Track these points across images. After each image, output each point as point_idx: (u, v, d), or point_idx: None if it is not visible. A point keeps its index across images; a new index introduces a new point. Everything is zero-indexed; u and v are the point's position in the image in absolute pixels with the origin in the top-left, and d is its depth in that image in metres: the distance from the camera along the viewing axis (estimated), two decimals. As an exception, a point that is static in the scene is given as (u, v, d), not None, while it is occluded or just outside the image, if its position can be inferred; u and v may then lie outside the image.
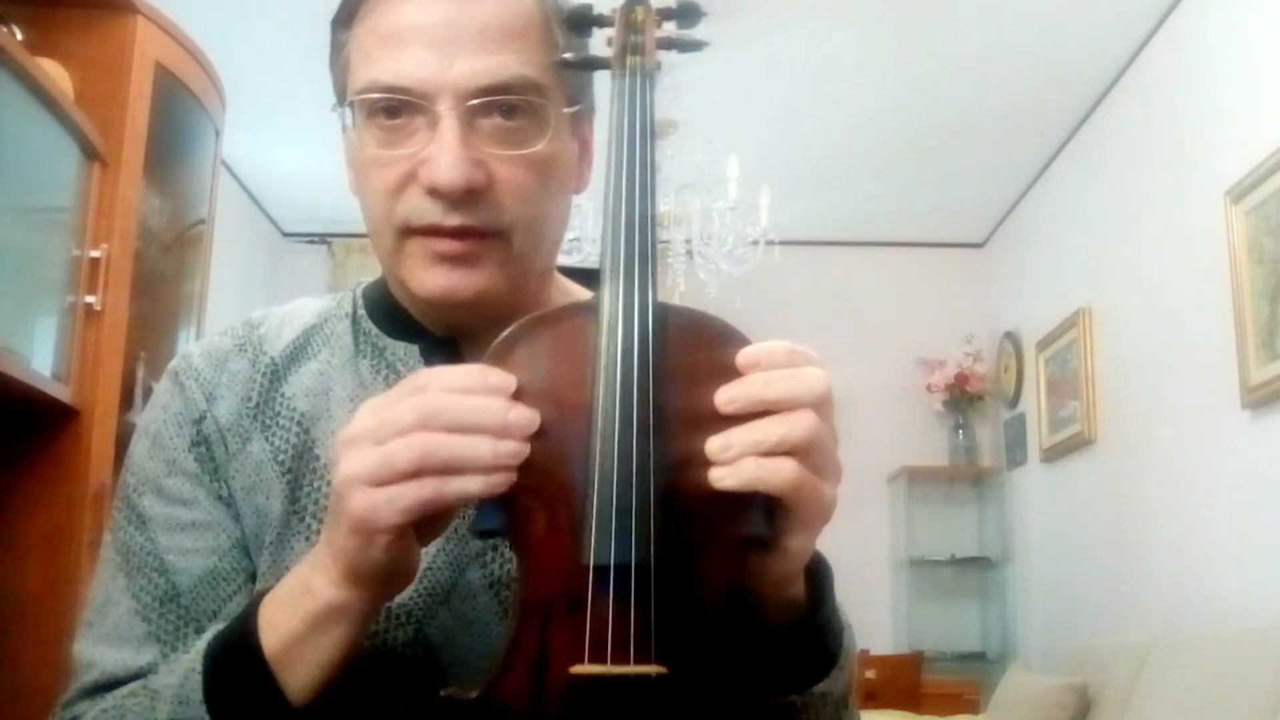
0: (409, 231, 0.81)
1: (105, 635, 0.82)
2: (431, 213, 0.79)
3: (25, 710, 2.13)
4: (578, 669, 0.63)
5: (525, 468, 0.66)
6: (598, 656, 0.63)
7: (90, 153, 2.34)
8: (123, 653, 0.81)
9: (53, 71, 2.25)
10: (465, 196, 0.78)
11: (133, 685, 0.77)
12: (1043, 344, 4.95)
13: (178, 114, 2.66)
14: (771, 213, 4.22)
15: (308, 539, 0.82)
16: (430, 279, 0.81)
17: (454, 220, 0.79)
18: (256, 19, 3.77)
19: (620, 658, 0.63)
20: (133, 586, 0.83)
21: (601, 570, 0.64)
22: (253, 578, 0.84)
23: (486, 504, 0.67)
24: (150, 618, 0.82)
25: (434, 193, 0.78)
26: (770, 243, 4.26)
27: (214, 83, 2.81)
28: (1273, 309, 3.08)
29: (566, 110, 0.83)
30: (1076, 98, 4.39)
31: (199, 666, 0.72)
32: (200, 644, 0.74)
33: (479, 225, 0.79)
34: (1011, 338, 5.41)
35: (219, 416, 0.86)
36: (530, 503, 0.67)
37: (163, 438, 0.86)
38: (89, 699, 0.79)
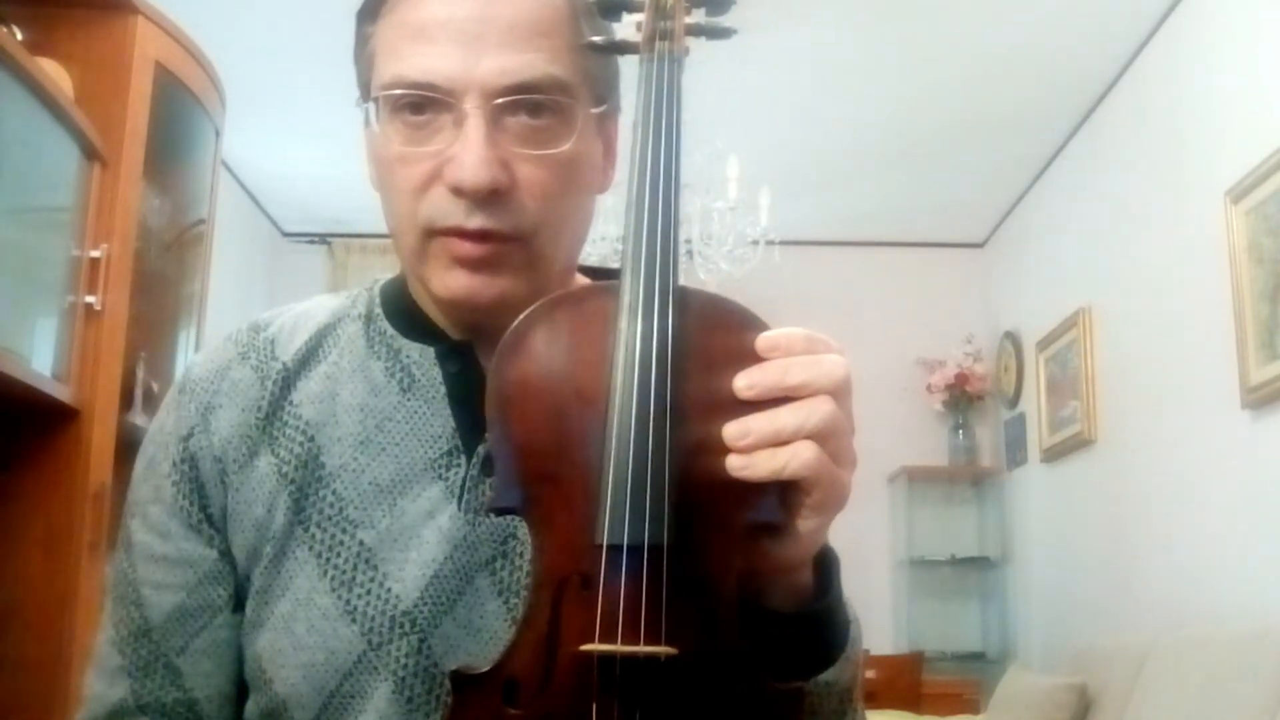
0: (432, 233, 0.80)
1: (95, 664, 0.85)
2: (455, 214, 0.78)
3: (25, 710, 2.13)
4: (588, 647, 0.64)
5: (542, 447, 0.68)
6: (608, 635, 0.64)
7: (90, 153, 2.34)
8: (99, 685, 0.84)
9: (53, 71, 2.25)
10: (489, 197, 0.78)
11: None
12: (1043, 344, 4.95)
13: (178, 114, 2.66)
14: (771, 213, 4.23)
15: (311, 548, 0.81)
16: (452, 280, 0.80)
17: (476, 222, 0.78)
18: (256, 19, 3.77)
19: (630, 637, 0.64)
20: (115, 615, 0.85)
21: (614, 550, 0.64)
22: (230, 604, 0.84)
23: (504, 482, 0.68)
24: (125, 650, 0.84)
25: (458, 192, 0.78)
26: (770, 243, 4.27)
27: (214, 83, 2.81)
28: (1273, 309, 3.08)
29: (593, 110, 0.82)
30: (1076, 98, 4.39)
31: None
32: None
33: (501, 229, 0.79)
34: (1011, 338, 5.41)
35: (218, 429, 0.85)
36: (547, 480, 0.68)
37: (155, 460, 0.87)
38: None
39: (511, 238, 0.79)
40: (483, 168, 0.76)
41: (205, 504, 0.84)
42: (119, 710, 0.83)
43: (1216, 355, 3.34)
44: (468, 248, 0.79)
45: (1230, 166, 3.30)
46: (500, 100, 0.78)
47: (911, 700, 4.68)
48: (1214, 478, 3.42)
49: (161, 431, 0.88)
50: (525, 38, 0.78)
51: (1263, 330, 3.12)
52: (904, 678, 4.85)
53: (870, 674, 4.67)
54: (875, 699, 4.59)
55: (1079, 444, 4.51)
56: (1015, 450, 5.35)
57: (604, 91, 0.84)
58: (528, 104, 0.78)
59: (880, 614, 5.43)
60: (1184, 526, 3.62)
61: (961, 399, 5.59)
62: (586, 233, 0.90)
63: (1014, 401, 5.37)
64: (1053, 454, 4.83)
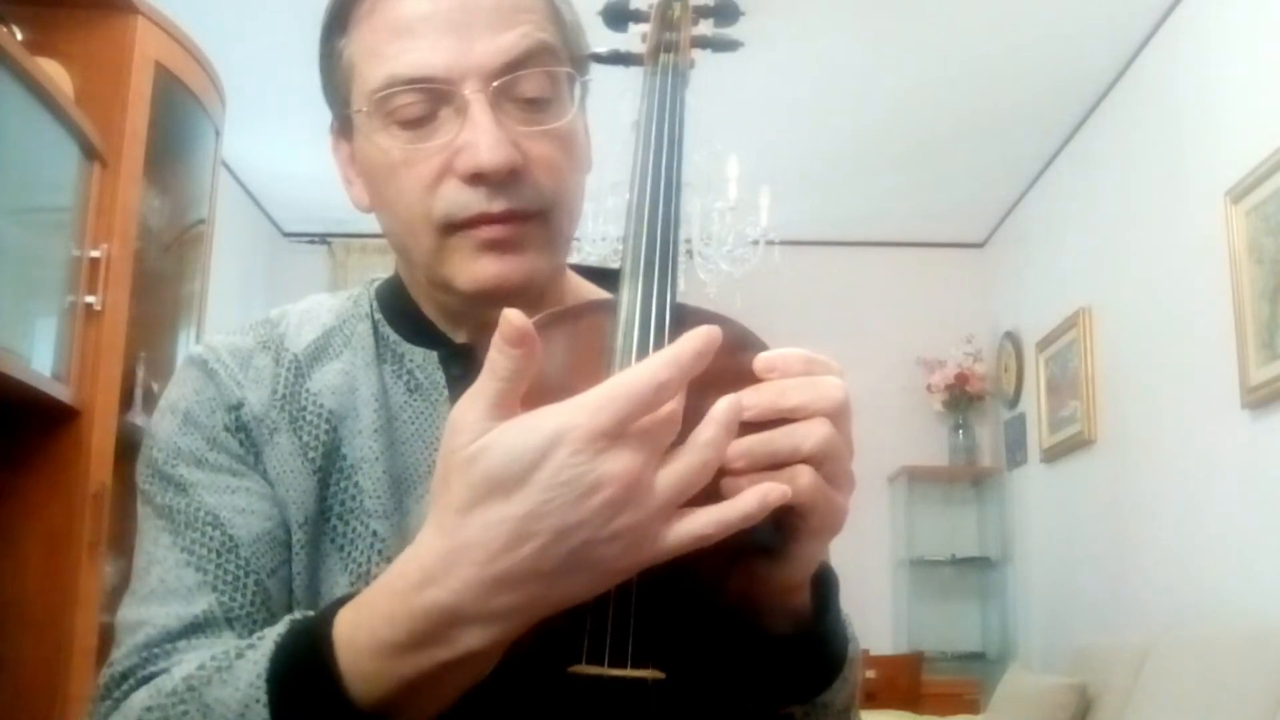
0: (452, 227, 0.79)
1: (149, 594, 0.77)
2: (475, 202, 0.78)
3: (25, 710, 2.13)
4: (575, 669, 0.63)
5: None
6: (596, 658, 0.63)
7: (90, 153, 2.34)
8: (170, 606, 0.76)
9: (53, 71, 2.25)
10: (508, 178, 0.77)
11: (177, 685, 0.69)
12: (1043, 344, 4.95)
13: (178, 114, 2.66)
14: (771, 213, 4.22)
15: (333, 540, 0.80)
16: (480, 269, 0.79)
17: (500, 205, 0.77)
18: (256, 19, 3.77)
19: (618, 661, 0.62)
20: (181, 541, 0.78)
21: None
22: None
23: None
24: (206, 568, 0.77)
25: (476, 178, 0.77)
26: (770, 243, 4.26)
27: (214, 83, 2.81)
28: (1273, 309, 3.08)
29: (581, 80, 0.83)
30: (1076, 98, 4.39)
31: (263, 699, 0.64)
32: (258, 667, 0.65)
33: (523, 207, 0.78)
34: (1011, 338, 5.41)
35: (253, 406, 0.83)
36: None
37: (196, 416, 0.82)
38: (138, 656, 0.74)
39: (532, 214, 0.79)
40: (499, 148, 0.76)
41: (265, 472, 0.82)
42: (201, 623, 0.75)
43: (1216, 355, 3.34)
44: (492, 230, 0.78)
45: (1230, 166, 3.30)
46: (499, 81, 0.78)
47: (911, 700, 4.68)
48: (1214, 478, 3.42)
49: (200, 395, 0.84)
50: (510, 15, 0.79)
51: (1263, 330, 3.12)
52: (904, 678, 4.85)
53: (870, 674, 4.67)
54: (875, 699, 4.60)
55: (1079, 444, 4.51)
56: (1015, 450, 5.35)
57: (582, 63, 0.84)
58: (524, 82, 0.79)
59: (880, 614, 5.44)
60: (1184, 526, 3.62)
61: (961, 399, 5.59)
62: (582, 211, 0.90)
63: (1014, 401, 5.37)
64: (1053, 454, 4.82)
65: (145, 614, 0.76)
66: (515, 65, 0.78)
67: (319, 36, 0.85)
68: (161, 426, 0.83)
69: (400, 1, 0.79)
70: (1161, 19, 3.80)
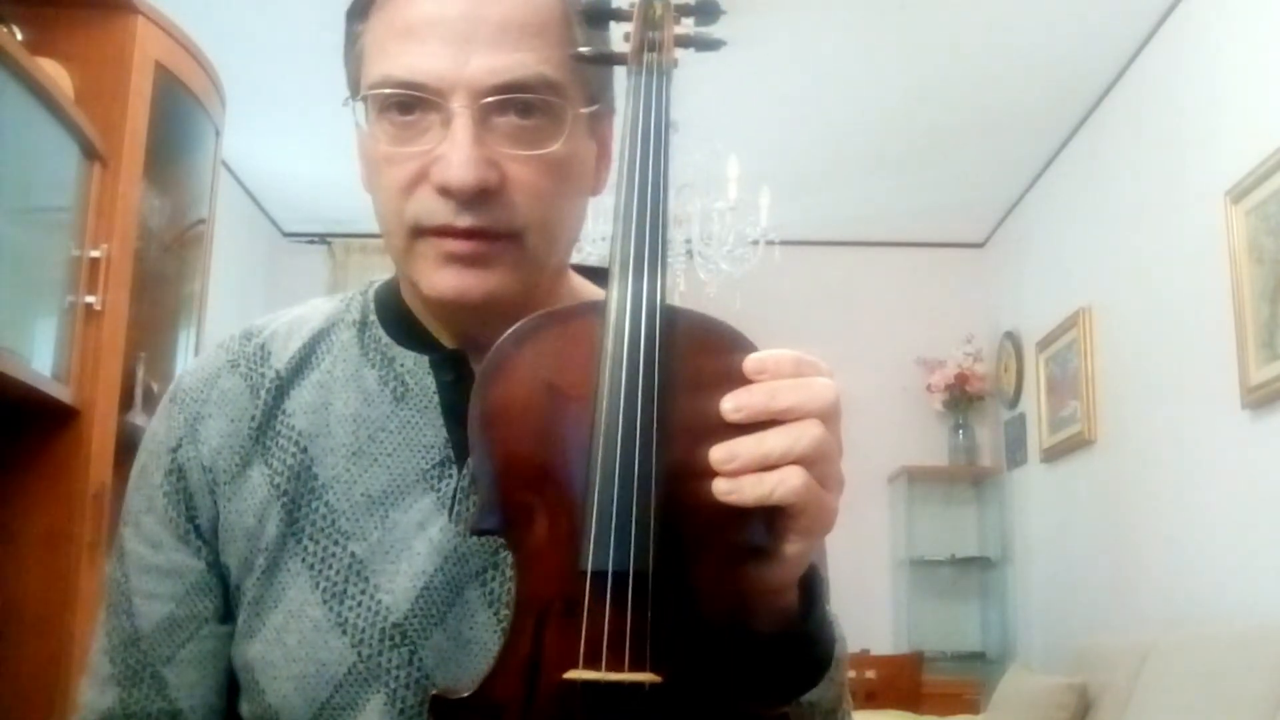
0: (420, 231, 0.79)
1: (89, 672, 0.86)
2: (443, 213, 0.77)
3: (25, 710, 2.13)
4: (571, 674, 0.63)
5: (525, 469, 0.66)
6: (592, 662, 0.63)
7: (90, 153, 2.34)
8: (91, 693, 0.84)
9: (53, 71, 2.25)
10: (477, 197, 0.76)
11: None
12: (1043, 344, 4.95)
13: (178, 114, 2.66)
14: (771, 213, 4.22)
15: (304, 560, 0.81)
16: (441, 279, 0.79)
17: (465, 221, 0.77)
18: (256, 19, 3.77)
19: (615, 664, 0.62)
20: (108, 625, 0.85)
21: (599, 576, 0.63)
22: (217, 616, 0.84)
23: (485, 503, 0.67)
24: (115, 659, 0.84)
25: (445, 192, 0.76)
26: (770, 243, 4.26)
27: (214, 83, 2.81)
28: (1273, 309, 3.08)
29: (584, 110, 0.81)
30: (1076, 98, 4.39)
31: None
32: None
33: (491, 226, 0.77)
34: (1011, 338, 5.41)
35: (207, 439, 0.84)
36: (529, 503, 0.66)
37: (147, 470, 0.87)
38: None
39: (502, 235, 0.78)
40: (470, 167, 0.75)
41: (193, 515, 0.84)
42: (107, 718, 0.83)
43: (1216, 355, 3.34)
44: (457, 244, 0.78)
45: (1230, 166, 3.29)
46: (488, 100, 0.76)
47: (911, 700, 4.68)
48: (1214, 478, 3.42)
49: (154, 440, 0.87)
50: (515, 37, 0.77)
51: (1263, 330, 3.12)
52: (904, 678, 4.85)
53: (870, 674, 4.67)
54: (875, 699, 4.59)
55: (1079, 444, 4.50)
56: (1015, 450, 5.35)
57: (596, 91, 0.83)
58: (517, 104, 0.77)
59: (880, 614, 5.43)
60: (1184, 526, 3.62)
61: (961, 399, 5.59)
62: (579, 233, 0.89)
63: (1014, 401, 5.37)
64: (1053, 454, 4.82)
65: (83, 695, 0.85)
66: (505, 89, 0.77)
67: (345, 15, 0.85)
68: (132, 475, 0.88)
69: (413, 2, 0.78)
70: (1161, 19, 3.80)
